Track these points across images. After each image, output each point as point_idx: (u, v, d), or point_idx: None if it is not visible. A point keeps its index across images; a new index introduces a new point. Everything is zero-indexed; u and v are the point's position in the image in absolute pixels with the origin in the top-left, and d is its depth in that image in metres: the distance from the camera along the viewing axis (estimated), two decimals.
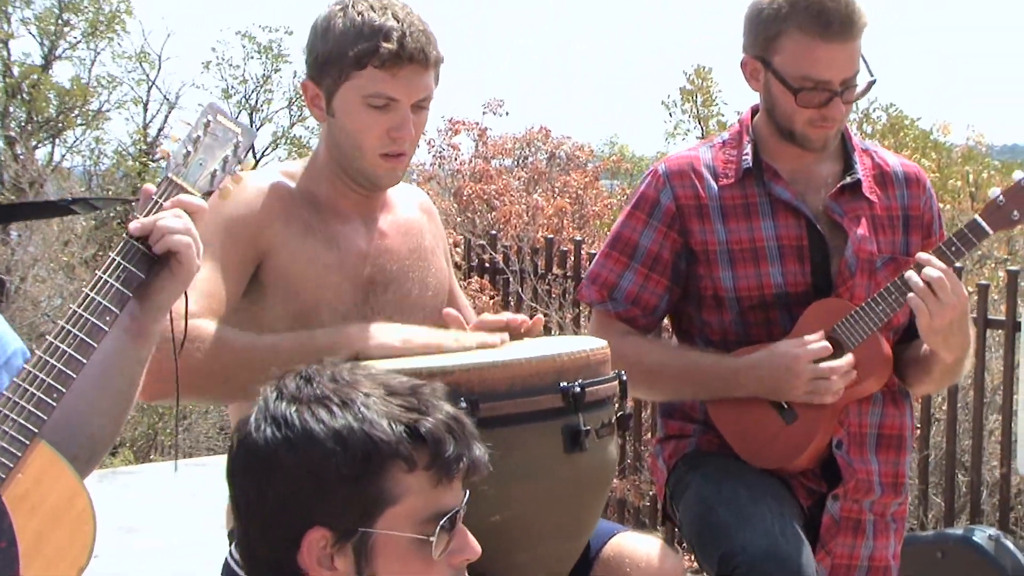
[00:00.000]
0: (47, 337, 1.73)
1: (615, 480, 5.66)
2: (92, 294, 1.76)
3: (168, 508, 4.18)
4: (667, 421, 2.76)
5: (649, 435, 5.71)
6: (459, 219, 8.60)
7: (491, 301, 6.43)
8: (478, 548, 1.62)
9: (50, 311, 11.66)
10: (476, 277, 6.74)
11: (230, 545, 2.20)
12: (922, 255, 2.52)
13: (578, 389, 2.09)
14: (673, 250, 2.65)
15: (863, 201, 2.67)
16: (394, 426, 1.54)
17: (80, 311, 1.75)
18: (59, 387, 1.70)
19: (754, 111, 2.72)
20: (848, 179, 2.67)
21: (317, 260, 2.36)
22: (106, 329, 1.76)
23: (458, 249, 7.12)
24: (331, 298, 2.35)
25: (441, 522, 1.56)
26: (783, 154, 2.66)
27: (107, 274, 1.77)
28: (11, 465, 1.64)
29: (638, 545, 2.29)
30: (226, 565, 2.32)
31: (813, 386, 2.51)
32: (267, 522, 1.56)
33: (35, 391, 1.68)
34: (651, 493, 5.66)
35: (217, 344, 2.17)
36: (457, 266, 6.90)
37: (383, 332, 2.28)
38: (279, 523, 1.55)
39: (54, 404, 1.69)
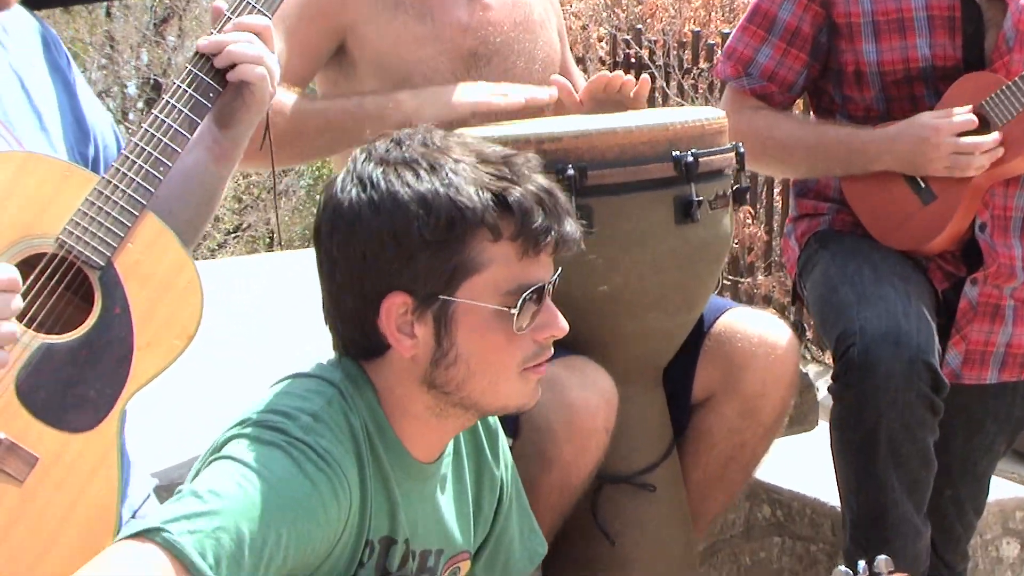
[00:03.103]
0: (152, 116, 1.73)
1: (760, 277, 5.61)
2: (173, 101, 1.74)
3: (273, 293, 4.26)
4: (800, 200, 2.69)
5: None
6: (604, 14, 8.40)
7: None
8: (565, 325, 1.57)
9: None
10: (621, 72, 6.58)
11: None
12: None
13: (690, 159, 2.04)
14: (814, 23, 2.53)
15: None
16: (481, 193, 1.49)
17: (174, 102, 1.74)
18: (166, 161, 1.71)
19: None
20: None
21: (406, 33, 2.33)
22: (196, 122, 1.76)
23: (603, 44, 6.96)
24: (425, 71, 2.33)
25: (524, 294, 1.52)
26: None
27: (184, 83, 1.76)
28: (122, 235, 1.66)
29: (750, 321, 2.25)
30: None
31: (953, 160, 2.39)
32: (349, 283, 1.55)
33: (143, 164, 1.70)
34: None
35: (278, 111, 2.18)
36: (602, 61, 6.76)
37: (437, 98, 2.25)
38: (361, 285, 1.54)
39: (161, 177, 1.70)
